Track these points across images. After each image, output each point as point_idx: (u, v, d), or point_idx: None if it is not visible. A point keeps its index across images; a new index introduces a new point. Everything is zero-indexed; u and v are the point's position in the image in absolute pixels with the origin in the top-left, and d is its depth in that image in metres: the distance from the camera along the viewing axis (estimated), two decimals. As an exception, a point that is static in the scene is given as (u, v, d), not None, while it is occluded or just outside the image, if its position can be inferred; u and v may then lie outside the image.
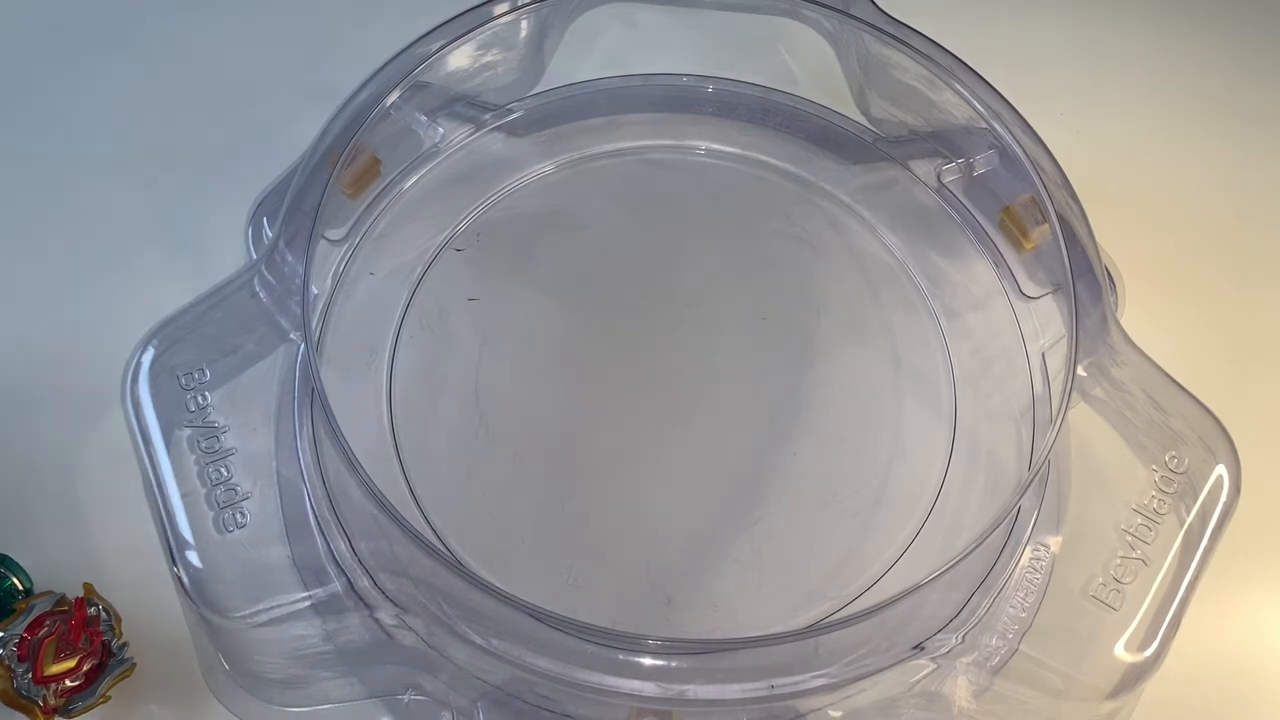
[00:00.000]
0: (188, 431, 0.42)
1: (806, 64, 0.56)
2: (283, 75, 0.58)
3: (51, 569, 0.45)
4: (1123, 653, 0.40)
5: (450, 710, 0.42)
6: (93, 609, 0.42)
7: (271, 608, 0.40)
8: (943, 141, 0.52)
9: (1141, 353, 0.44)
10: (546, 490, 0.46)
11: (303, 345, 0.43)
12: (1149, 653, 0.40)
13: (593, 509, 0.46)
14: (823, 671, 0.40)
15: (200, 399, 0.42)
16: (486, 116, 0.54)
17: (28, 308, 0.52)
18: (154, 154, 0.56)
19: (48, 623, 0.42)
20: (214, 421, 0.42)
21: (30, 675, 0.41)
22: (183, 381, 0.43)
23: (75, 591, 0.43)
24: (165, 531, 0.40)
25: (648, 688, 0.39)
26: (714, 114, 0.56)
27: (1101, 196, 0.48)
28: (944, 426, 0.48)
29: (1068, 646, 0.41)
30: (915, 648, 0.41)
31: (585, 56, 0.56)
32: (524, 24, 0.51)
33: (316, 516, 0.42)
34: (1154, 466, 0.43)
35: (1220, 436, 0.43)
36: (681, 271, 0.51)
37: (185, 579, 0.40)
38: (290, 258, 0.44)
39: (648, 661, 0.39)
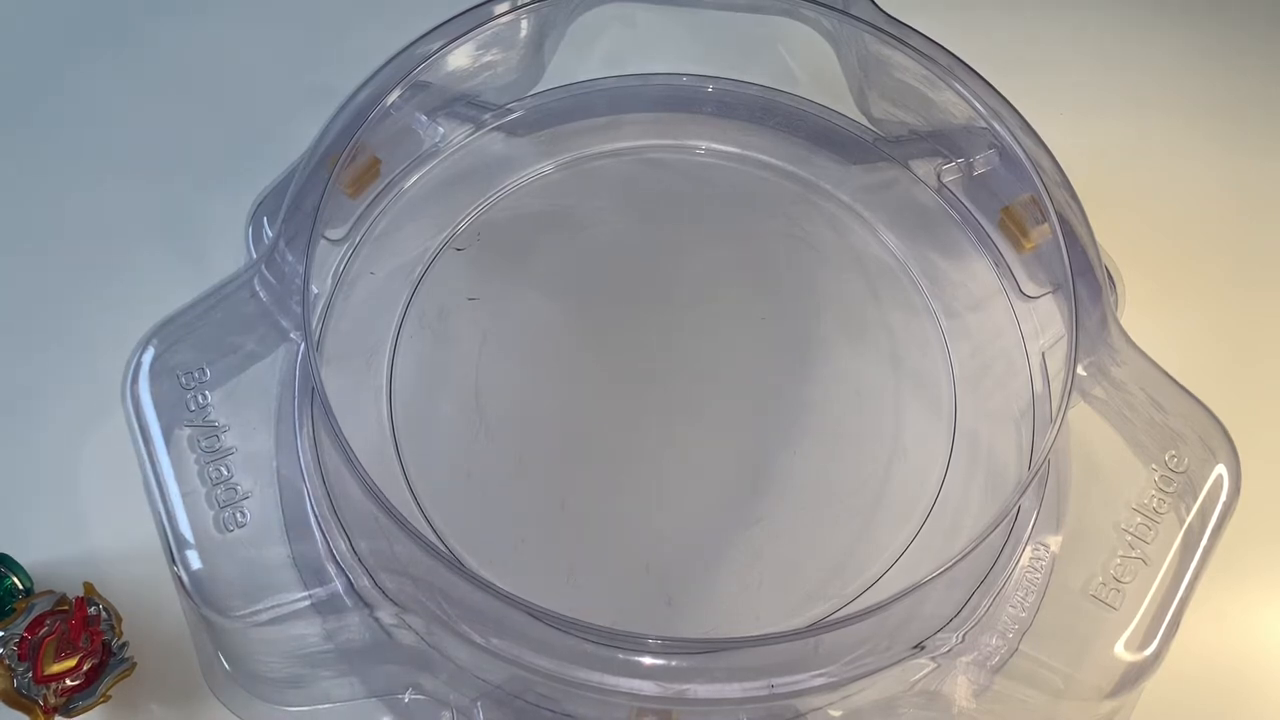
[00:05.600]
0: (188, 431, 0.42)
1: (806, 64, 0.56)
2: (283, 75, 0.58)
3: (51, 568, 0.45)
4: (1122, 652, 0.40)
5: (450, 709, 0.42)
6: (93, 608, 0.42)
7: (271, 607, 0.40)
8: (943, 141, 0.52)
9: (1141, 352, 0.44)
10: (546, 489, 0.46)
11: (303, 345, 0.43)
12: (1149, 652, 0.40)
13: (593, 508, 0.46)
14: (823, 671, 0.40)
15: (200, 398, 0.42)
16: (486, 116, 0.54)
17: (28, 307, 0.52)
18: (154, 154, 0.56)
19: (48, 622, 0.42)
20: (214, 421, 0.42)
21: (31, 674, 0.41)
22: (183, 381, 0.43)
23: (75, 591, 0.43)
24: (165, 531, 0.40)
25: (648, 687, 0.39)
26: (714, 114, 0.56)
27: (1101, 196, 0.48)
28: (944, 426, 0.48)
29: (1067, 646, 0.41)
30: (915, 647, 0.41)
31: (585, 56, 0.56)
32: (524, 24, 0.51)
33: (316, 516, 0.42)
34: (1154, 466, 0.43)
35: (1220, 436, 0.43)
36: (681, 271, 0.51)
37: (185, 578, 0.40)
38: (290, 257, 0.44)
39: (648, 661, 0.39)
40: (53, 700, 0.41)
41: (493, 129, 0.54)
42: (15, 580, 0.44)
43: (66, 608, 0.42)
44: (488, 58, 0.51)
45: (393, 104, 0.48)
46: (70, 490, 0.48)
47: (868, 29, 0.50)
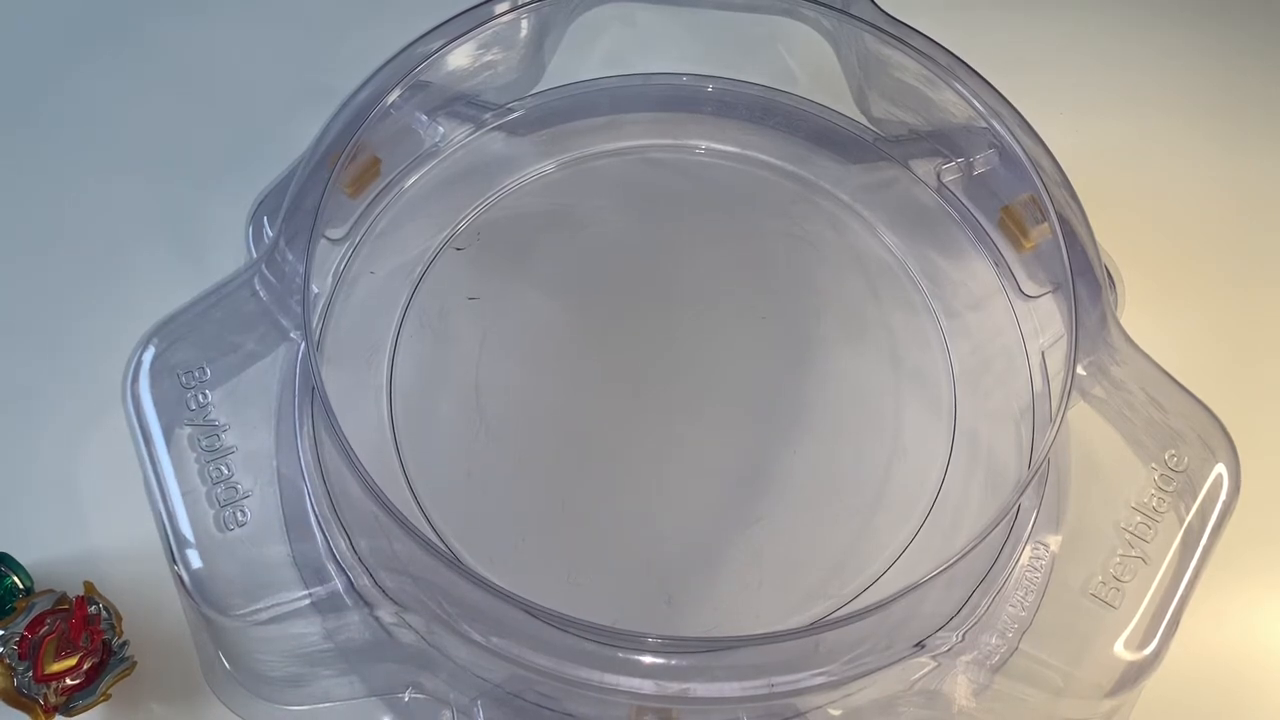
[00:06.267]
0: (188, 430, 0.42)
1: (806, 64, 0.56)
2: (283, 75, 0.58)
3: (52, 567, 0.45)
4: (1122, 651, 0.40)
5: (450, 708, 0.42)
6: (93, 607, 0.42)
7: (272, 606, 0.40)
8: (942, 141, 0.52)
9: (1141, 351, 0.44)
10: (547, 488, 0.46)
11: (303, 344, 0.43)
12: (1148, 651, 0.40)
13: (593, 507, 0.46)
14: (823, 670, 0.40)
15: (201, 397, 0.42)
16: (487, 116, 0.54)
17: (28, 307, 0.52)
18: (154, 154, 0.56)
19: (48, 621, 0.42)
20: (214, 420, 0.42)
21: (31, 673, 0.41)
22: (183, 380, 0.43)
23: (76, 590, 0.43)
24: (166, 530, 0.40)
25: (648, 686, 0.39)
26: (714, 114, 0.56)
27: (1101, 196, 0.48)
28: (944, 426, 0.48)
29: (1067, 645, 0.41)
30: (915, 646, 0.41)
31: (585, 56, 0.56)
32: (524, 23, 0.51)
33: (317, 515, 0.42)
34: (1153, 465, 0.43)
35: (1219, 435, 0.43)
36: (681, 271, 0.51)
37: (186, 577, 0.40)
38: (291, 256, 0.44)
39: (648, 660, 0.39)
40: (53, 699, 0.41)
41: (493, 128, 0.54)
42: (15, 579, 0.44)
43: (67, 607, 0.42)
44: (488, 57, 0.51)
45: (393, 103, 0.48)
46: (70, 490, 0.48)
47: (868, 29, 0.50)
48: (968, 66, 0.48)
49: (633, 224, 0.53)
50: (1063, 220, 0.46)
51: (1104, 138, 0.58)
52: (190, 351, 0.43)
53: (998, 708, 0.41)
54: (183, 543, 0.40)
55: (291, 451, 0.43)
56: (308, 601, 0.41)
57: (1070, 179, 0.47)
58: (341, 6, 0.61)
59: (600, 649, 0.39)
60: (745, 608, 0.44)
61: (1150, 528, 0.42)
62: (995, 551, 0.43)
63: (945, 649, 0.41)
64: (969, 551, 0.39)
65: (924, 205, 0.53)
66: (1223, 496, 0.42)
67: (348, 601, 0.41)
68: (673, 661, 0.39)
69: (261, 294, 0.44)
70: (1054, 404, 0.45)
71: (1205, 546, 0.42)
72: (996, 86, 0.48)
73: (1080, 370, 0.44)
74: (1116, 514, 0.42)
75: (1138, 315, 0.48)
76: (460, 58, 0.50)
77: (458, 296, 0.50)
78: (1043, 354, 0.49)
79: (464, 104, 0.53)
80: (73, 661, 0.41)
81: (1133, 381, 0.44)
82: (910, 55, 0.49)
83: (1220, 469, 0.43)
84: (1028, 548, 0.43)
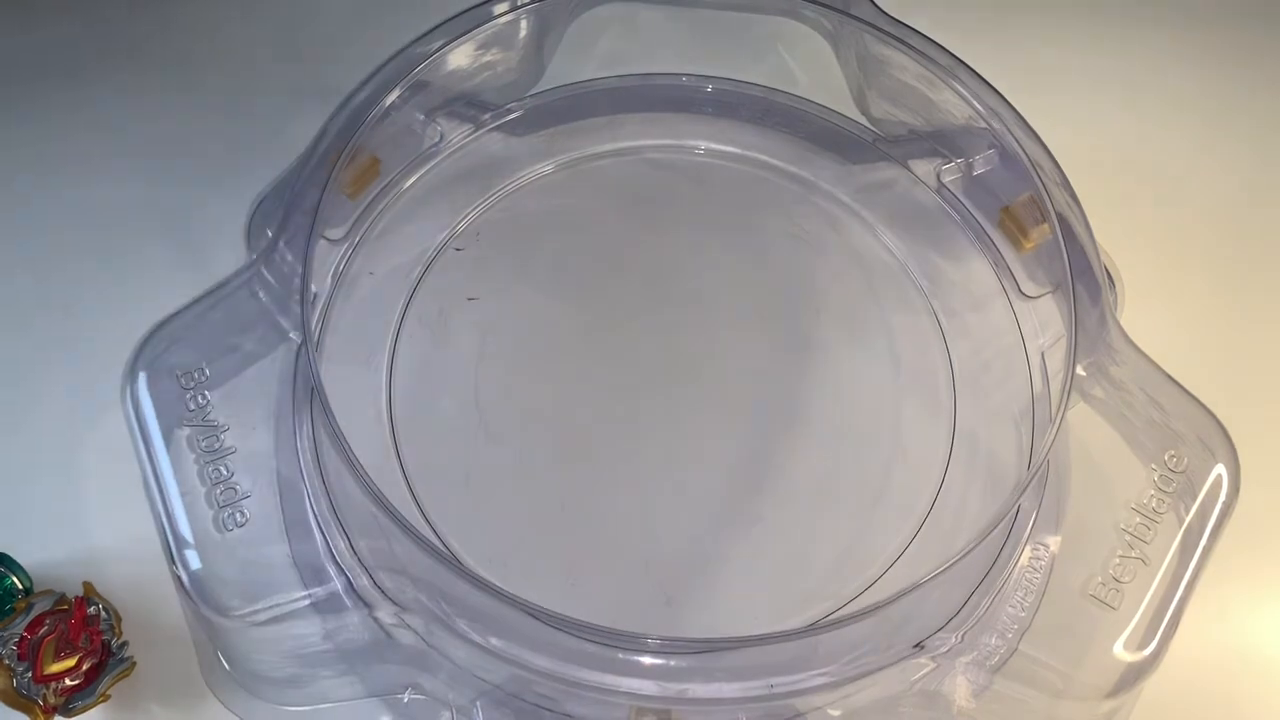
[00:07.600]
0: (187, 431, 0.42)
1: (806, 64, 0.56)
2: (283, 75, 0.58)
3: (51, 568, 0.45)
4: (1122, 652, 0.40)
5: (449, 709, 0.42)
6: (92, 608, 0.42)
7: (271, 606, 0.40)
8: (943, 141, 0.52)
9: (1141, 352, 0.44)
10: (546, 489, 0.46)
11: (302, 344, 0.43)
12: (1148, 652, 0.40)
13: (592, 508, 0.46)
14: (822, 670, 0.40)
15: (200, 398, 0.42)
16: (486, 116, 0.54)
17: (28, 307, 0.52)
18: (154, 154, 0.56)
19: (48, 622, 0.42)
20: (214, 421, 0.42)
21: (30, 674, 0.41)
22: (182, 381, 0.43)
23: (75, 590, 0.43)
24: (165, 531, 0.40)
25: (647, 686, 0.39)
26: (714, 114, 0.56)
27: (1101, 196, 0.48)
28: (944, 426, 0.48)
29: (1067, 646, 0.41)
30: (915, 647, 0.41)
31: (585, 56, 0.56)
32: (524, 23, 0.51)
33: (316, 515, 0.42)
34: (1153, 466, 0.43)
35: (1219, 436, 0.43)
36: (681, 271, 0.51)
37: (185, 578, 0.40)
38: (290, 257, 0.44)
39: (647, 660, 0.39)
40: (52, 700, 0.41)
41: (493, 129, 0.54)
42: (15, 580, 0.44)
43: (66, 607, 0.42)
44: (487, 57, 0.51)
45: (392, 104, 0.48)
46: (70, 490, 0.48)
47: (868, 29, 0.50)
48: (967, 67, 0.48)
49: (632, 224, 0.53)
50: (1062, 220, 0.46)
51: (1104, 138, 0.58)
52: (189, 352, 0.43)
53: (997, 709, 0.41)
54: (182, 543, 0.40)
55: (291, 452, 0.43)
56: (307, 602, 0.41)
57: (1070, 179, 0.47)
58: (341, 6, 0.61)
59: (599, 650, 0.39)
60: (744, 608, 0.44)
61: (1150, 529, 0.42)
62: (995, 552, 0.43)
63: (945, 650, 0.41)
64: (969, 552, 0.39)
65: (924, 206, 0.53)
66: (1222, 497, 0.42)
67: (347, 602, 0.41)
68: (672, 662, 0.39)
69: (261, 294, 0.44)
70: (1054, 405, 0.45)
71: (1205, 547, 0.42)
72: (996, 86, 0.48)
73: (1080, 371, 0.44)
74: (1116, 515, 0.42)
75: (1137, 316, 0.48)
76: (460, 58, 0.50)
77: (457, 297, 0.50)
78: (1042, 354, 0.49)
79: (463, 104, 0.53)
80: (72, 662, 0.41)
81: (1132, 382, 0.44)
82: (910, 56, 0.49)
83: (1220, 470, 0.42)
84: (1027, 548, 0.43)
